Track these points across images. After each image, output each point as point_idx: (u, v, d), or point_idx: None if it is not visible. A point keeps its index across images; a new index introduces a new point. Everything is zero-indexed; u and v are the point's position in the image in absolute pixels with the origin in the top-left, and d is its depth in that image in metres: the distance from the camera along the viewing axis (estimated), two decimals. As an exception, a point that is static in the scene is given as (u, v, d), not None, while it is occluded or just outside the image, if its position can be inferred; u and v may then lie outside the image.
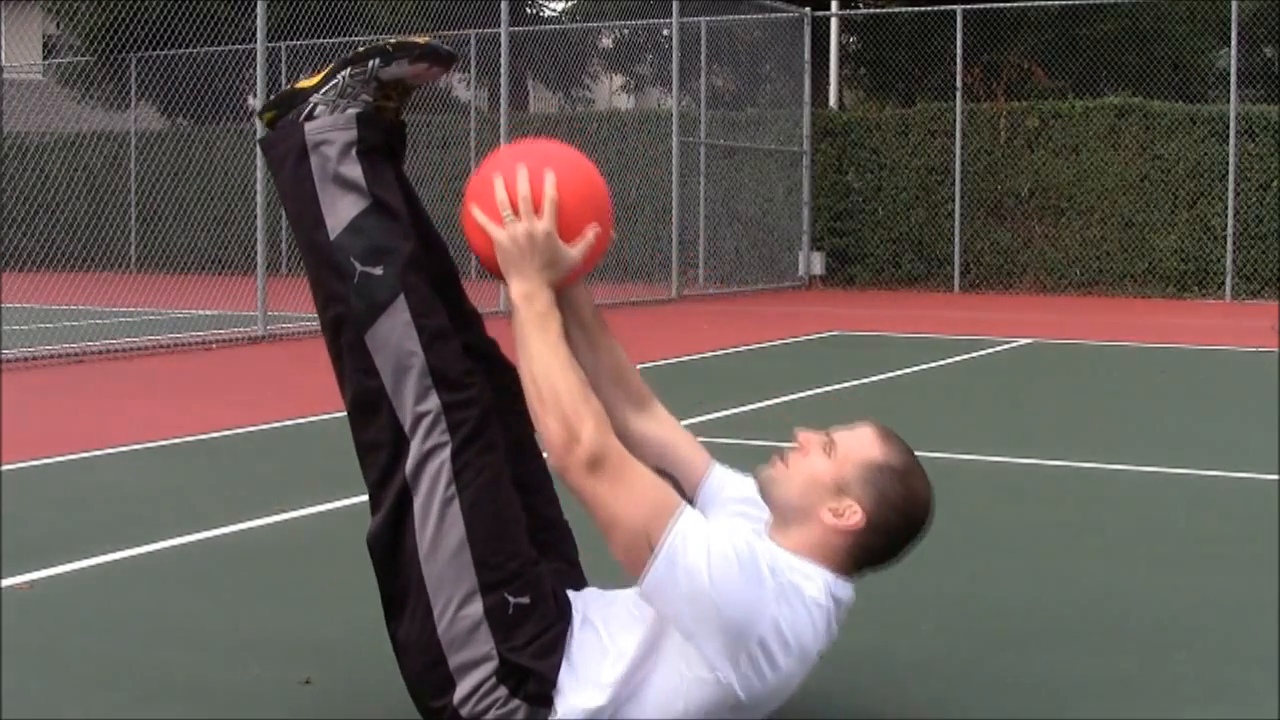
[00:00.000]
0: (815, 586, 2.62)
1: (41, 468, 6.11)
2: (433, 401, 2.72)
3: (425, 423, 2.72)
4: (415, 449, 2.72)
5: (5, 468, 5.99)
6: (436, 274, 2.88)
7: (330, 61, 2.94)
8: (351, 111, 2.83)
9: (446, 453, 2.71)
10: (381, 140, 2.86)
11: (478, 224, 2.75)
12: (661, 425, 3.00)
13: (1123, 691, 3.27)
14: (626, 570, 2.58)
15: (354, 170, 2.81)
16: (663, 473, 2.91)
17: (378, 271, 2.76)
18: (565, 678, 2.67)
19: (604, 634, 2.69)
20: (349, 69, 2.85)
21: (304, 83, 2.89)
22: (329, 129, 2.82)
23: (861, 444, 2.70)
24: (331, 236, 2.79)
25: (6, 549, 4.55)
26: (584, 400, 2.59)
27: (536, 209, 2.70)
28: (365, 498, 4.91)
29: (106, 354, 10.60)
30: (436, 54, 2.86)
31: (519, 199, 2.70)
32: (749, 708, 2.60)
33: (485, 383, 2.78)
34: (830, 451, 2.70)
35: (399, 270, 2.76)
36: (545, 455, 2.59)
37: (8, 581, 4.18)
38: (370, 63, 2.85)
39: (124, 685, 3.32)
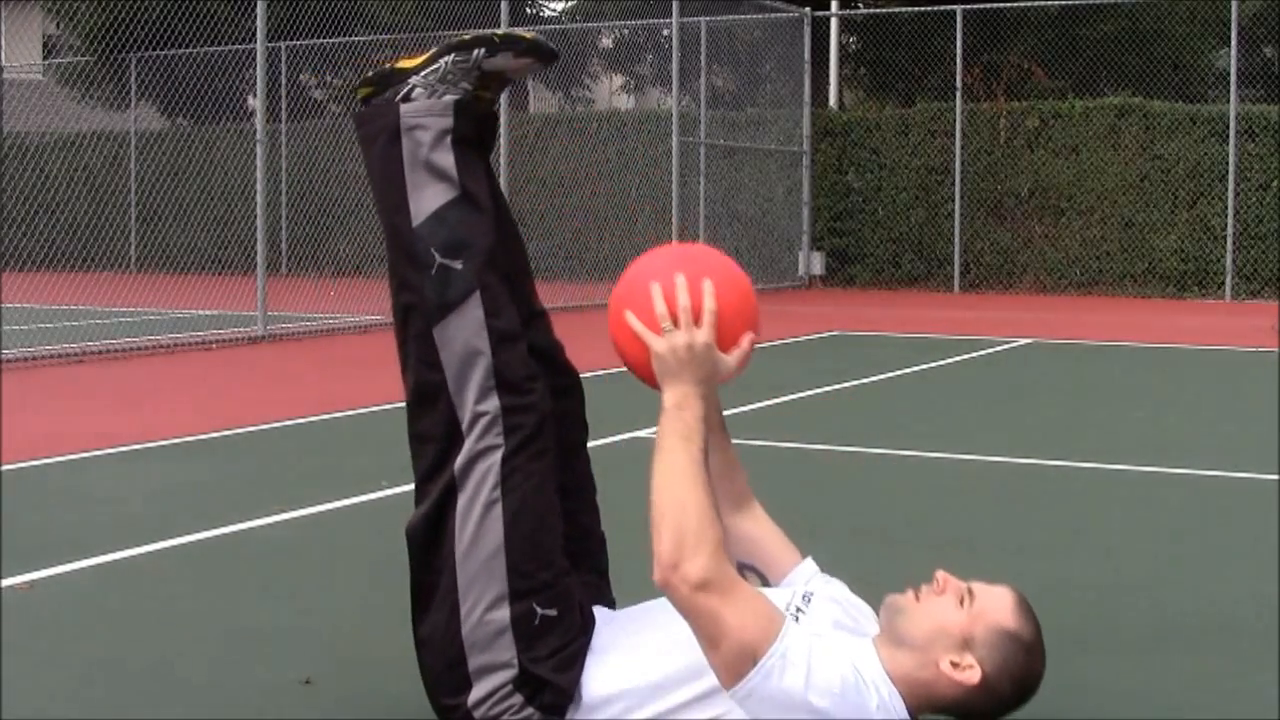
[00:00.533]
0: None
1: (41, 468, 6.11)
2: (493, 403, 2.71)
3: (482, 423, 2.70)
4: (468, 447, 2.70)
5: (5, 468, 5.99)
6: (511, 270, 2.86)
7: (432, 46, 2.90)
8: (450, 98, 2.79)
9: (498, 456, 2.70)
10: (474, 131, 2.82)
11: (633, 332, 2.70)
12: (757, 524, 2.99)
13: (1123, 691, 3.27)
14: (722, 682, 2.53)
15: (446, 159, 2.77)
16: (747, 566, 2.92)
17: (457, 265, 2.73)
18: (585, 692, 2.66)
19: (652, 655, 2.67)
20: (453, 55, 2.81)
21: (405, 63, 2.85)
22: (425, 113, 2.78)
23: (999, 607, 2.65)
24: (414, 224, 2.76)
25: (6, 549, 4.55)
26: (709, 524, 2.53)
27: (696, 319, 2.66)
28: (365, 498, 4.91)
29: (106, 354, 10.60)
30: (540, 50, 2.83)
31: (679, 310, 2.66)
32: None
33: (546, 389, 2.76)
34: (966, 603, 2.65)
35: (478, 267, 2.73)
36: (654, 570, 2.53)
37: (8, 581, 4.18)
38: (475, 51, 2.80)
39: (124, 685, 3.32)
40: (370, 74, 2.88)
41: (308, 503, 5.30)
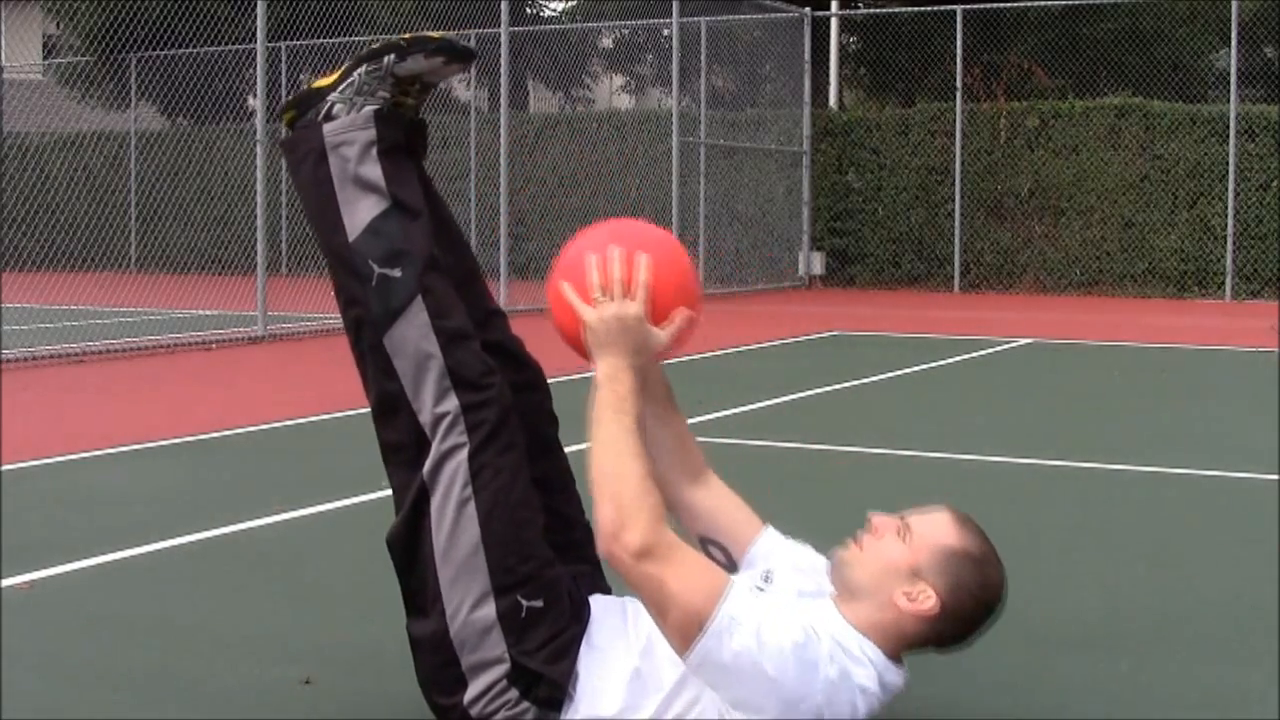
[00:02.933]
0: (867, 674, 2.57)
1: (41, 468, 6.11)
2: (451, 403, 2.72)
3: (445, 423, 2.72)
4: (434, 449, 2.72)
5: (5, 468, 5.99)
6: (458, 273, 2.87)
7: (345, 60, 2.93)
8: (369, 109, 2.82)
9: (464, 454, 2.71)
10: (402, 138, 2.85)
11: (567, 301, 2.73)
12: (714, 495, 2.99)
13: (1123, 691, 3.27)
14: (677, 651, 2.54)
15: (374, 171, 2.80)
16: (710, 541, 2.92)
17: (395, 274, 2.75)
18: (583, 686, 2.66)
19: (639, 652, 2.67)
20: (364, 66, 2.84)
21: (320, 81, 2.88)
22: (347, 129, 2.81)
23: (937, 529, 2.67)
24: (350, 239, 2.78)
25: (6, 549, 4.55)
26: (645, 493, 2.55)
27: (629, 292, 2.68)
28: (365, 498, 4.91)
29: (106, 354, 10.60)
30: (452, 49, 2.85)
31: (612, 281, 2.69)
32: None
33: (505, 382, 2.77)
34: (905, 536, 2.67)
35: (417, 272, 2.75)
36: (595, 537, 2.57)
37: (8, 581, 4.18)
38: (386, 59, 2.83)
39: (124, 685, 3.32)
40: (289, 97, 2.90)
41: (308, 503, 5.30)
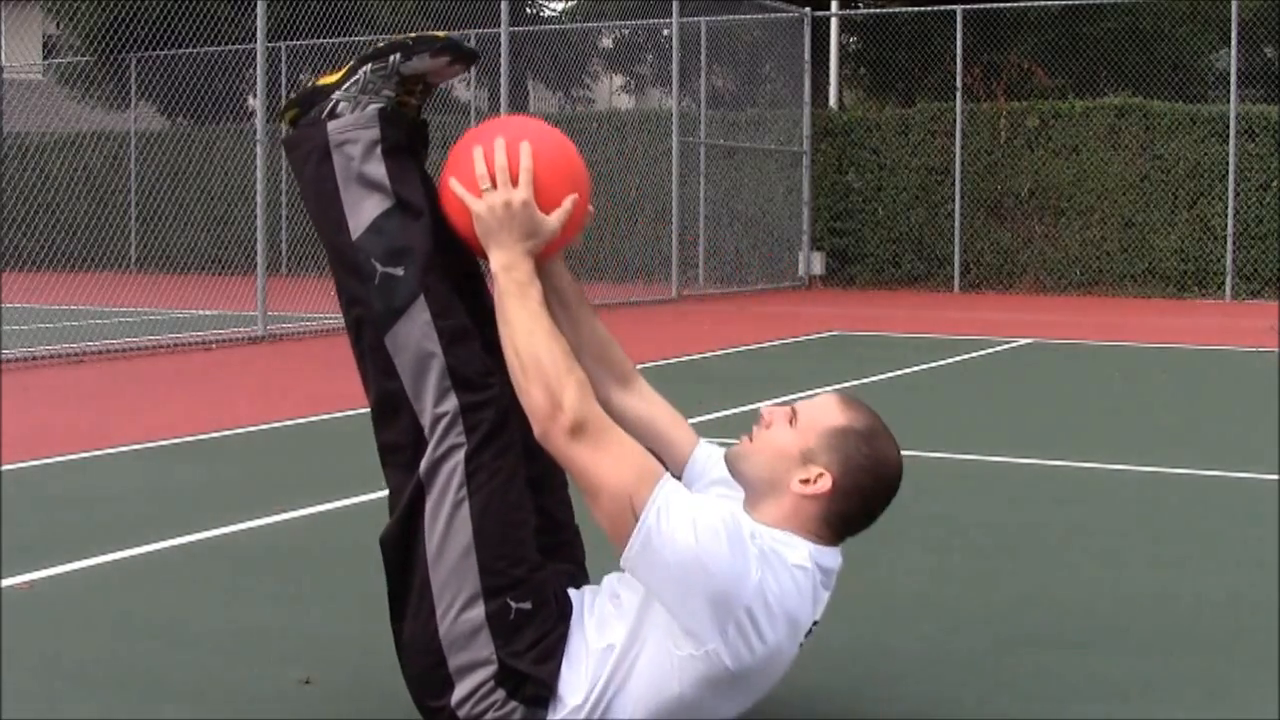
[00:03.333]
0: (797, 553, 2.62)
1: (41, 468, 6.11)
2: (451, 403, 2.72)
3: (443, 424, 2.72)
4: (431, 449, 2.72)
5: (5, 468, 5.99)
6: (459, 272, 2.88)
7: (349, 59, 2.93)
8: (373, 108, 2.82)
9: (461, 454, 2.71)
10: (405, 138, 2.85)
11: (455, 195, 2.76)
12: (646, 402, 3.00)
13: (1123, 691, 3.27)
14: (611, 539, 2.58)
15: (378, 170, 2.80)
16: (647, 450, 2.92)
17: (398, 272, 2.75)
18: (564, 678, 2.68)
19: (595, 630, 2.69)
20: (370, 64, 2.84)
21: (325, 79, 2.88)
22: (351, 127, 2.81)
23: (824, 411, 2.72)
24: (353, 237, 2.79)
25: (6, 549, 4.55)
26: (567, 369, 2.60)
27: (514, 179, 2.72)
28: (365, 498, 4.90)
29: (106, 354, 10.60)
30: (457, 48, 2.86)
31: (496, 169, 2.72)
32: (742, 680, 2.59)
33: (505, 382, 2.78)
34: (794, 422, 2.70)
35: (419, 271, 2.75)
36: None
37: (8, 581, 4.18)
38: (391, 57, 2.84)
39: (124, 685, 3.32)
40: (293, 95, 2.91)
41: (307, 503, 5.30)
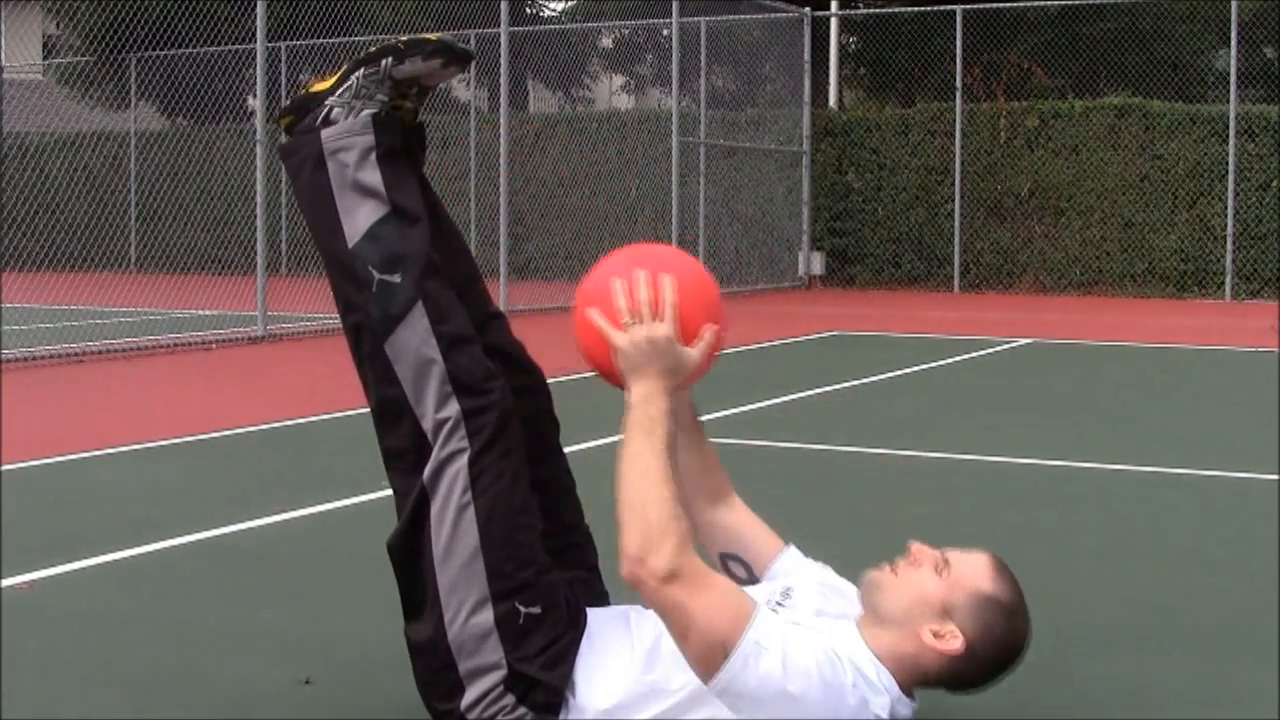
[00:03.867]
0: (882, 703, 2.57)
1: (41, 468, 6.11)
2: (453, 408, 2.72)
3: (446, 429, 2.71)
4: (435, 455, 2.72)
5: (5, 468, 5.99)
6: (457, 276, 2.87)
7: (343, 64, 2.93)
8: (367, 114, 2.81)
9: (465, 459, 2.70)
10: (400, 142, 2.85)
11: (596, 328, 2.70)
12: (736, 514, 3.00)
13: (1123, 692, 3.27)
14: (699, 674, 2.53)
15: (373, 176, 2.79)
16: (731, 556, 2.93)
17: (395, 279, 2.75)
18: (582, 691, 2.66)
19: (638, 664, 2.66)
20: (362, 69, 2.83)
21: (318, 86, 2.87)
22: (345, 134, 2.80)
23: (976, 572, 2.66)
24: (350, 245, 2.78)
25: (6, 549, 4.55)
26: (672, 518, 2.52)
27: (656, 314, 2.66)
28: (365, 498, 4.91)
29: (106, 354, 10.60)
30: (450, 50, 2.84)
31: (640, 304, 2.66)
32: None
33: (506, 386, 2.77)
34: (943, 572, 2.66)
35: (416, 277, 2.75)
36: (621, 564, 2.54)
37: (8, 581, 4.18)
38: (383, 62, 2.82)
39: (124, 685, 3.32)
40: (287, 102, 2.90)
41: (307, 503, 5.30)
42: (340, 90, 2.84)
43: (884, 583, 2.68)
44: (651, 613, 2.70)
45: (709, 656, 2.48)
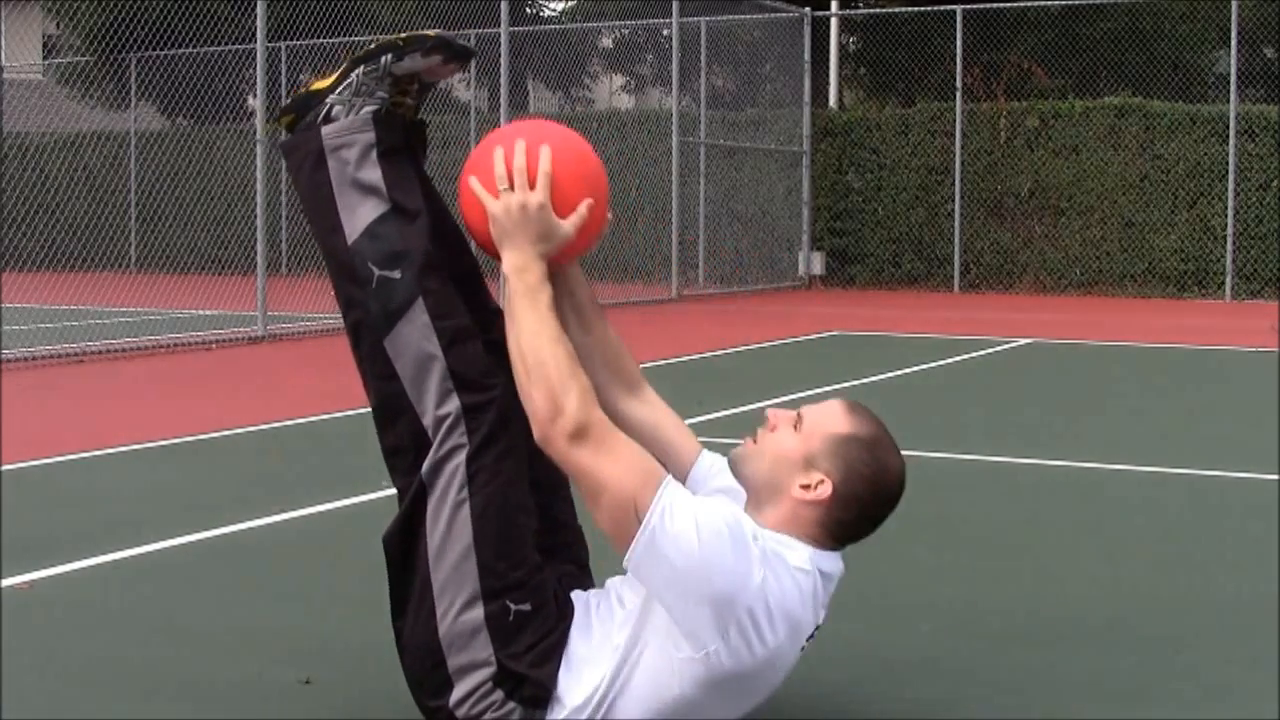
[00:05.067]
0: (798, 556, 2.63)
1: (41, 468, 6.11)
2: (453, 404, 2.72)
3: (445, 425, 2.72)
4: (434, 450, 2.72)
5: (5, 468, 5.99)
6: (457, 272, 2.87)
7: (343, 61, 2.93)
8: (368, 111, 2.82)
9: (463, 455, 2.71)
10: (401, 139, 2.85)
11: (473, 195, 2.76)
12: (651, 409, 3.00)
13: (1123, 691, 3.27)
14: (612, 542, 2.58)
15: (373, 174, 2.80)
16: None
17: (395, 275, 2.75)
18: (563, 680, 2.68)
19: (598, 633, 2.69)
20: (362, 66, 2.84)
21: (318, 84, 2.88)
22: (346, 132, 2.81)
23: (829, 418, 2.71)
24: (349, 241, 2.79)
25: (6, 549, 4.55)
26: (570, 373, 2.60)
27: (531, 182, 2.71)
28: (365, 498, 4.91)
29: (106, 354, 10.60)
30: (449, 46, 2.85)
31: (514, 171, 2.72)
32: (743, 682, 2.60)
33: (508, 383, 2.78)
34: (799, 427, 2.71)
35: (416, 273, 2.75)
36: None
37: (8, 581, 4.18)
38: (383, 58, 2.83)
39: (124, 685, 3.32)
40: (287, 101, 2.91)
41: (308, 503, 5.30)
42: (340, 87, 2.84)
43: (748, 453, 2.74)
44: (608, 586, 2.74)
45: (621, 518, 2.53)
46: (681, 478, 2.92)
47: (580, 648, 2.69)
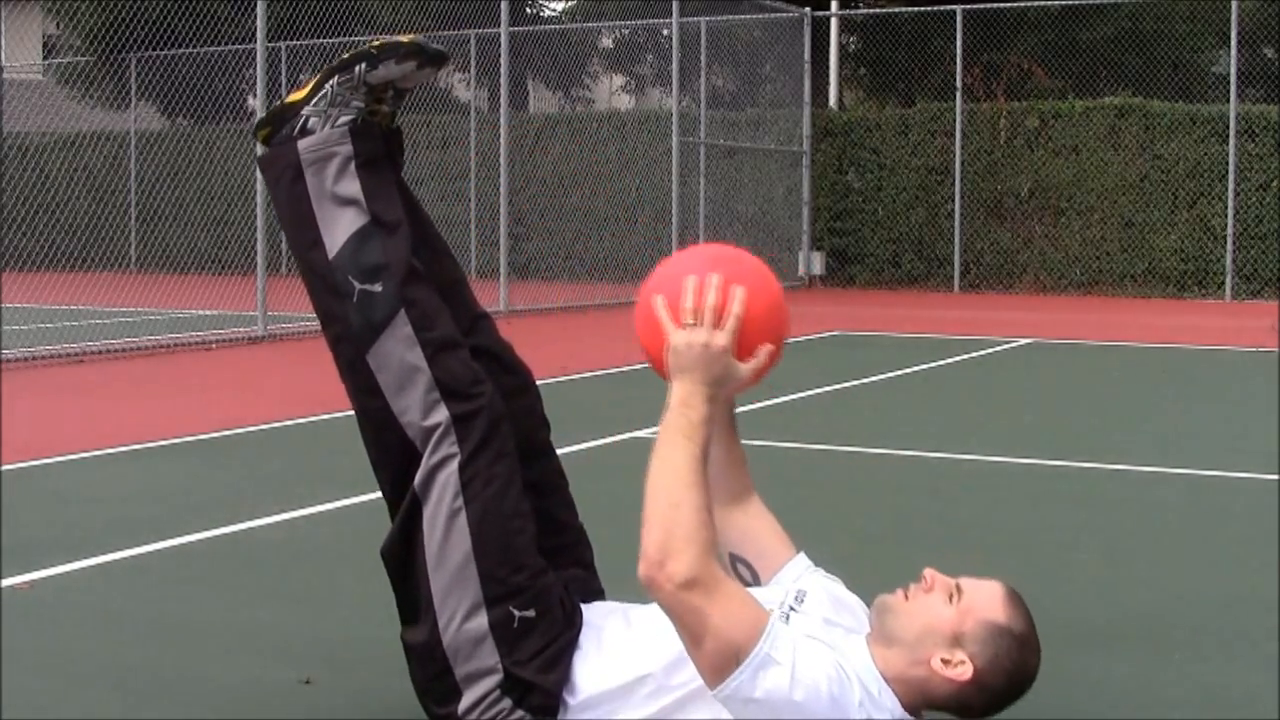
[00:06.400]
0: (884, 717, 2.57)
1: (41, 468, 6.11)
2: (441, 414, 2.71)
3: (435, 435, 2.71)
4: (425, 461, 2.71)
5: (5, 468, 5.99)
6: (441, 280, 2.86)
7: (316, 73, 2.90)
8: (344, 122, 2.78)
9: (455, 464, 2.70)
10: (379, 149, 2.83)
11: (657, 318, 2.66)
12: (751, 516, 2.97)
13: (1123, 691, 3.27)
14: (706, 680, 2.52)
15: (352, 186, 2.77)
16: (739, 559, 2.90)
17: (376, 289, 2.73)
18: (582, 692, 2.66)
19: (609, 649, 2.67)
20: (336, 77, 2.80)
21: (294, 96, 2.85)
22: (323, 145, 2.78)
23: (988, 601, 2.65)
24: (330, 255, 2.76)
25: (6, 549, 4.55)
26: (700, 525, 2.49)
27: (719, 321, 2.62)
28: (365, 498, 4.91)
29: (106, 354, 10.60)
30: (423, 52, 2.81)
31: (705, 308, 2.62)
32: None
33: (495, 389, 2.76)
34: (955, 600, 2.65)
35: (398, 285, 2.73)
36: (639, 565, 2.49)
37: (8, 581, 4.18)
38: (356, 68, 2.79)
39: (124, 685, 3.32)
40: (263, 114, 2.88)
41: (308, 503, 5.30)
42: (315, 99, 2.81)
43: (896, 607, 2.66)
44: (650, 608, 2.69)
45: (720, 664, 2.46)
46: (766, 579, 2.89)
47: (591, 657, 2.68)
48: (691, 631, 2.47)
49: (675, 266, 2.72)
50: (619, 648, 2.69)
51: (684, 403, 2.59)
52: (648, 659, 2.65)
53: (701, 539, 2.48)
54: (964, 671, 2.59)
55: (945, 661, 2.60)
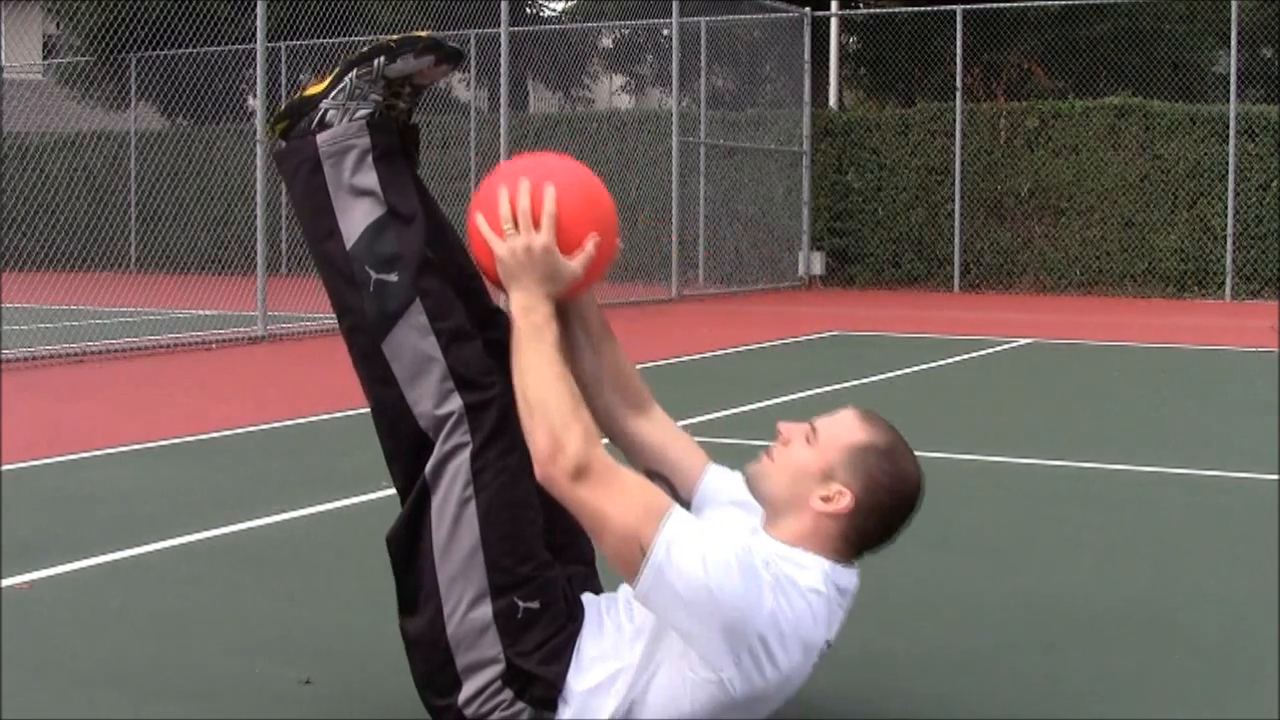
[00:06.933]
0: (812, 575, 2.62)
1: (41, 468, 6.11)
2: (454, 403, 2.72)
3: (448, 425, 2.72)
4: (437, 450, 2.72)
5: (5, 468, 5.99)
6: (455, 274, 2.87)
7: (336, 65, 2.92)
8: (362, 115, 2.81)
9: (466, 453, 2.71)
10: (396, 143, 2.85)
11: (481, 235, 2.76)
12: (658, 428, 2.99)
13: (1123, 691, 3.27)
14: (620, 575, 2.58)
15: (368, 178, 2.80)
16: (656, 475, 2.92)
17: (392, 278, 2.76)
18: (573, 682, 2.67)
19: (611, 641, 2.69)
20: (355, 70, 2.83)
21: (312, 89, 2.87)
22: (342, 137, 2.81)
23: (844, 428, 2.71)
24: (347, 246, 2.79)
25: (6, 549, 4.55)
26: (573, 412, 2.59)
27: (536, 223, 2.71)
28: (366, 497, 4.92)
29: (106, 354, 10.60)
30: (440, 47, 2.84)
31: (519, 213, 2.71)
32: (754, 703, 2.60)
33: (507, 381, 2.78)
34: (813, 440, 2.70)
35: (413, 275, 2.75)
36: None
37: (8, 581, 4.18)
38: (375, 61, 2.83)
39: (124, 685, 3.32)
40: (281, 108, 2.90)
41: (308, 503, 5.30)
42: (334, 92, 2.84)
43: (764, 471, 2.74)
44: (621, 593, 2.73)
45: (626, 553, 2.52)
46: (689, 493, 2.92)
47: (591, 649, 2.69)
48: (593, 525, 2.56)
49: (487, 184, 2.81)
50: (611, 636, 2.70)
51: (524, 310, 2.70)
52: (628, 653, 2.67)
53: (581, 423, 2.59)
54: (844, 501, 2.65)
55: (825, 499, 2.66)
